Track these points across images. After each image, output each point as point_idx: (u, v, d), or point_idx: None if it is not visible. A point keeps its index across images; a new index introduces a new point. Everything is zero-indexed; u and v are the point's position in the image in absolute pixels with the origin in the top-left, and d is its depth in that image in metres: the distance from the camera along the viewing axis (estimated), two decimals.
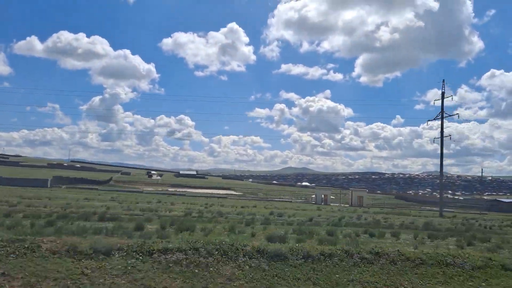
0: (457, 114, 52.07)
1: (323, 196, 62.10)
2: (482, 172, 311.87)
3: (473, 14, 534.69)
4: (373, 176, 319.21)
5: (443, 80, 50.90)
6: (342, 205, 57.41)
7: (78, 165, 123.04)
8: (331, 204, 59.68)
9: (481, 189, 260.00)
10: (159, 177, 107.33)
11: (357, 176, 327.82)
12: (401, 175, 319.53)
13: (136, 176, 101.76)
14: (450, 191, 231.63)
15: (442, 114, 47.69)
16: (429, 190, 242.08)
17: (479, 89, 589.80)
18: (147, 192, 62.21)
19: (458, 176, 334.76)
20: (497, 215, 51.96)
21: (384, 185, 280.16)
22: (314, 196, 63.96)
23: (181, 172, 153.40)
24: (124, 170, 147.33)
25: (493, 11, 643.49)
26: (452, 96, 50.23)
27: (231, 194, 71.31)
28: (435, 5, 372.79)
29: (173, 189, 73.19)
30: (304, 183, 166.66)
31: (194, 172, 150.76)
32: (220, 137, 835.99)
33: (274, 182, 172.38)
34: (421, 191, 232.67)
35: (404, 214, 37.70)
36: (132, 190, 62.90)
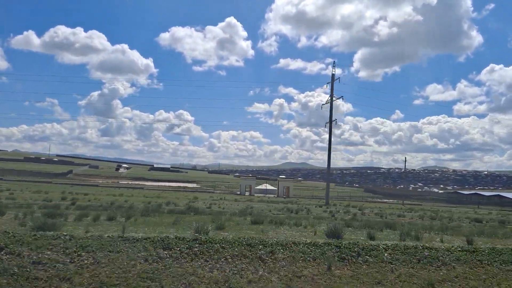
0: (341, 97, 52.21)
1: (249, 186, 64.12)
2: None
3: (472, 9, 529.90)
4: (369, 171, 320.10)
5: (334, 61, 51.58)
6: (270, 196, 58.69)
7: (56, 159, 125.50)
8: (256, 194, 61.30)
9: (474, 184, 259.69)
10: (125, 170, 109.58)
11: (352, 171, 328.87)
12: (396, 170, 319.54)
13: (104, 170, 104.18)
14: (435, 185, 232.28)
15: (332, 98, 48.57)
16: (421, 184, 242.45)
17: (479, 83, 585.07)
18: (103, 185, 64.29)
19: (453, 171, 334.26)
20: (422, 206, 53.36)
21: (378, 180, 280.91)
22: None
23: (155, 165, 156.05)
24: (113, 164, 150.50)
25: (492, 5, 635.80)
26: (339, 78, 50.87)
27: (189, 187, 73.57)
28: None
29: (136, 182, 75.46)
30: (280, 176, 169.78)
31: (168, 166, 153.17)
32: (220, 132, 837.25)
33: (257, 176, 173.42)
34: (412, 186, 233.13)
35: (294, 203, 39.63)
36: (87, 184, 65.19)
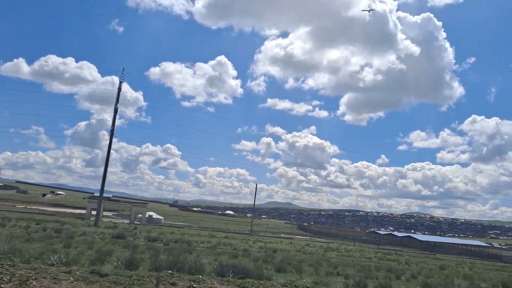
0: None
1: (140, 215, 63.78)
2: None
3: (454, 61, 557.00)
4: (346, 213, 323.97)
5: (123, 68, 52.38)
6: (118, 221, 57.83)
7: (1, 184, 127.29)
8: (106, 219, 60.89)
9: (446, 230, 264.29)
10: (54, 196, 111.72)
11: (331, 213, 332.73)
12: (375, 213, 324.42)
13: (28, 195, 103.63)
14: (397, 229, 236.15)
15: (116, 108, 48.94)
16: (391, 229, 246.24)
17: (461, 133, 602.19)
18: (16, 210, 60.08)
19: (431, 217, 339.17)
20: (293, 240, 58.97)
21: (352, 223, 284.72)
22: (140, 215, 64.24)
23: (95, 194, 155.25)
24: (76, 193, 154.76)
25: (473, 59, 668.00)
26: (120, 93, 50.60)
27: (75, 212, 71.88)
28: (416, 50, 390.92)
29: (48, 208, 70.84)
30: (227, 212, 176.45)
31: (110, 196, 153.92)
32: (206, 168, 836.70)
33: (213, 212, 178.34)
34: (383, 229, 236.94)
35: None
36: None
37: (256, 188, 75.50)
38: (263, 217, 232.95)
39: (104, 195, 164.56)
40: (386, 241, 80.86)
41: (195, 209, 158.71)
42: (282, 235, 71.07)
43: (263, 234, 65.06)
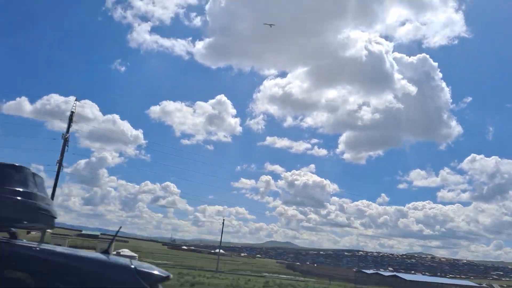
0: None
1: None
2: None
3: (451, 100, 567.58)
4: (345, 253, 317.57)
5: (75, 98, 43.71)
6: None
7: None
8: None
9: (448, 271, 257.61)
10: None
11: (330, 252, 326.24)
12: (375, 253, 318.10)
13: None
14: (397, 270, 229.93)
15: (66, 138, 41.91)
16: (391, 269, 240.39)
17: (461, 172, 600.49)
18: None
19: (432, 258, 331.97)
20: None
21: (351, 263, 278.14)
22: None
23: (83, 232, 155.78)
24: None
25: (469, 99, 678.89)
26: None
27: None
28: (413, 89, 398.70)
29: None
30: (217, 250, 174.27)
31: (98, 233, 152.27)
32: (206, 207, 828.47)
33: (203, 251, 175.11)
34: (378, 270, 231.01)
35: None
36: None
37: (223, 224, 74.88)
38: (258, 257, 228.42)
39: (93, 232, 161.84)
40: (372, 281, 79.37)
41: (184, 247, 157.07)
42: (265, 274, 69.85)
43: (234, 273, 63.87)
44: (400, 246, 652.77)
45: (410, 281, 77.10)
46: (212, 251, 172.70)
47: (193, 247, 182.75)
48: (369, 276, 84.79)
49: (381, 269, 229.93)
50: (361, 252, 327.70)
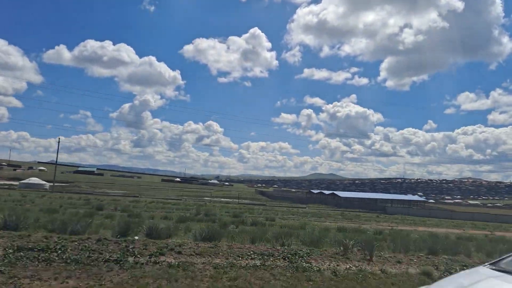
0: None
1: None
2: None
3: (503, 14, 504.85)
4: (382, 181, 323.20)
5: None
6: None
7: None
8: None
9: (482, 194, 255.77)
10: (25, 171, 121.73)
11: (367, 181, 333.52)
12: (413, 180, 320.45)
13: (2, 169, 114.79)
14: (429, 195, 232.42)
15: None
16: (420, 194, 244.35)
17: None
18: None
19: (473, 181, 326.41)
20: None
21: (388, 189, 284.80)
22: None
23: (79, 168, 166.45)
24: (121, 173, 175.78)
25: None
26: None
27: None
28: (460, 5, 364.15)
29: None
30: (212, 181, 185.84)
31: (94, 170, 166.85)
32: (249, 143, 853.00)
33: (206, 181, 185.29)
34: (408, 195, 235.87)
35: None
36: None
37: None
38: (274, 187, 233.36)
39: (89, 169, 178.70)
40: (312, 199, 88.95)
41: (177, 179, 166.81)
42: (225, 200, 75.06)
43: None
44: (449, 173, 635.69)
45: (344, 197, 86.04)
46: (211, 180, 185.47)
47: (188, 178, 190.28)
48: (313, 195, 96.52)
49: (409, 194, 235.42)
50: (399, 180, 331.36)
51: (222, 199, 66.43)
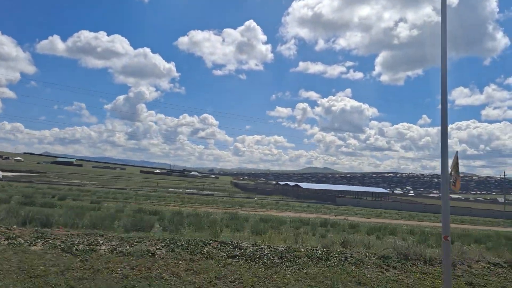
0: None
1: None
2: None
3: (497, 10, 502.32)
4: (373, 175, 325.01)
5: None
6: None
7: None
8: None
9: (471, 188, 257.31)
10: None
11: (359, 175, 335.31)
12: (397, 175, 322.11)
13: None
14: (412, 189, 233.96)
15: None
16: (409, 188, 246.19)
17: (508, 87, 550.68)
18: None
19: (464, 176, 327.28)
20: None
21: (378, 183, 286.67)
22: None
23: (58, 159, 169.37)
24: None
25: None
26: None
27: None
28: (455, 0, 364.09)
29: None
30: (192, 173, 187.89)
31: (73, 160, 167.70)
32: (244, 137, 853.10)
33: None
34: (398, 190, 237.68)
35: None
36: None
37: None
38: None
39: (68, 160, 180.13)
40: (280, 192, 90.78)
41: (157, 171, 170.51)
42: (202, 192, 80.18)
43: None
44: None
45: (306, 189, 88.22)
46: (192, 173, 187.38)
47: (170, 170, 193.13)
48: (280, 187, 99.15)
49: (398, 189, 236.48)
50: (390, 174, 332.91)
51: (186, 190, 68.45)
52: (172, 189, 69.69)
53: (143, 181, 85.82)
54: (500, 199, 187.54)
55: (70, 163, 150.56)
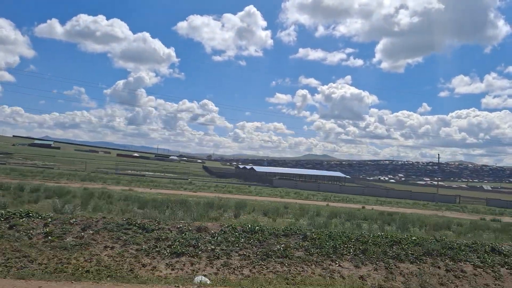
0: None
1: None
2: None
3: None
4: (369, 163, 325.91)
5: None
6: None
7: None
8: None
9: (464, 176, 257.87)
10: None
11: (354, 162, 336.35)
12: (394, 163, 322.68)
13: None
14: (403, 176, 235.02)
15: None
16: (401, 176, 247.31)
17: (509, 76, 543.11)
18: None
19: (458, 164, 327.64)
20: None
21: (370, 170, 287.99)
22: None
23: (35, 141, 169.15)
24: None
25: None
26: None
27: None
28: None
29: None
30: (171, 157, 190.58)
31: (51, 143, 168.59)
32: (244, 123, 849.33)
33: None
34: (384, 177, 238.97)
35: None
36: None
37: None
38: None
39: (46, 142, 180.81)
40: (236, 175, 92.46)
41: (135, 155, 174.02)
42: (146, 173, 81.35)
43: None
44: (442, 156, 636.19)
45: (260, 172, 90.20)
46: (171, 157, 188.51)
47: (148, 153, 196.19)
48: (239, 170, 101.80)
49: (389, 175, 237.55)
50: (386, 162, 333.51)
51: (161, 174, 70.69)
52: (134, 172, 71.45)
53: (112, 163, 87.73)
54: (486, 186, 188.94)
55: (48, 146, 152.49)
